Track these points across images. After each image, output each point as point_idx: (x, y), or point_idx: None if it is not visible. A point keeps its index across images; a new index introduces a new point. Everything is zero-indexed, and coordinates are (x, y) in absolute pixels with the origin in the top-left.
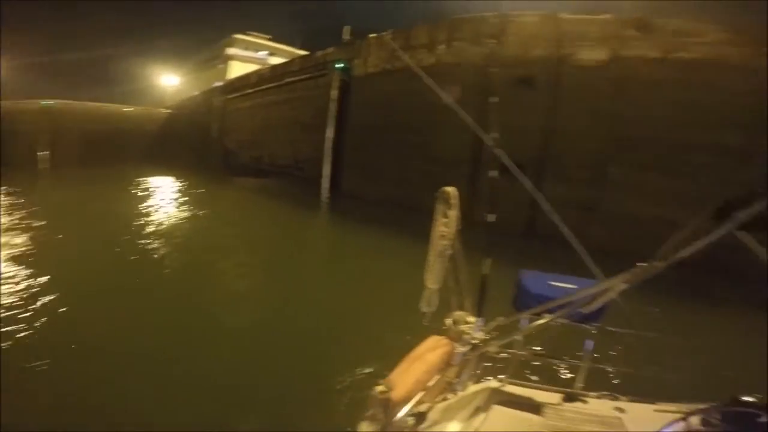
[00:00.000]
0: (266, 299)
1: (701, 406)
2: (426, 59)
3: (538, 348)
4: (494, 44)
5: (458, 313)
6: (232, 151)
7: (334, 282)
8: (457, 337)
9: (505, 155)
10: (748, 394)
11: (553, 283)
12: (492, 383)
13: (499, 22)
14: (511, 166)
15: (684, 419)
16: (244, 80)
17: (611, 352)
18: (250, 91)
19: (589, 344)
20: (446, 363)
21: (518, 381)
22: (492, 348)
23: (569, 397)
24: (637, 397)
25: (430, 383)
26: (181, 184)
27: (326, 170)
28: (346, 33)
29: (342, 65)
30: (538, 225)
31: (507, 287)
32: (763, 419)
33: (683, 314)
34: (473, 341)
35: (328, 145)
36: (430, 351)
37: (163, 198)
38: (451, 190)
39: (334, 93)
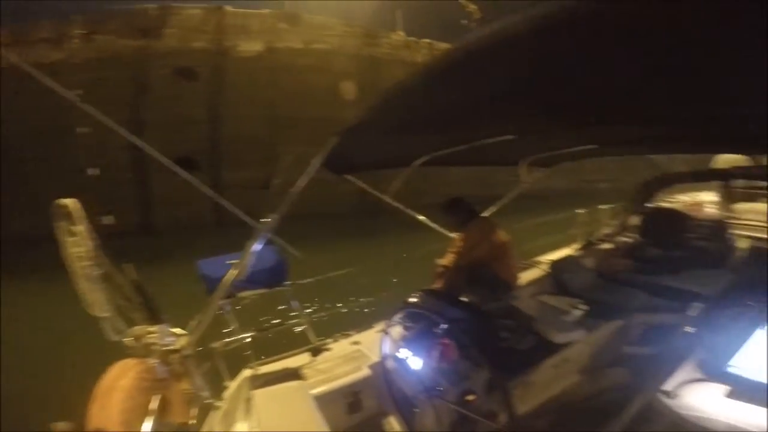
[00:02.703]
0: None
1: (394, 315)
2: (52, 55)
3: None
4: (152, 36)
5: (135, 329)
6: None
7: None
8: (145, 352)
9: (153, 150)
10: (411, 296)
11: (232, 261)
12: (245, 373)
13: (159, 14)
14: (164, 160)
15: (386, 332)
16: None
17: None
18: None
19: (295, 303)
20: (150, 380)
21: (266, 359)
22: (218, 345)
23: (314, 352)
24: (360, 328)
25: (152, 406)
26: None
27: None
28: None
29: None
30: (222, 212)
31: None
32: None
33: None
34: (169, 347)
35: None
36: (121, 377)
37: None
38: (70, 202)
39: None
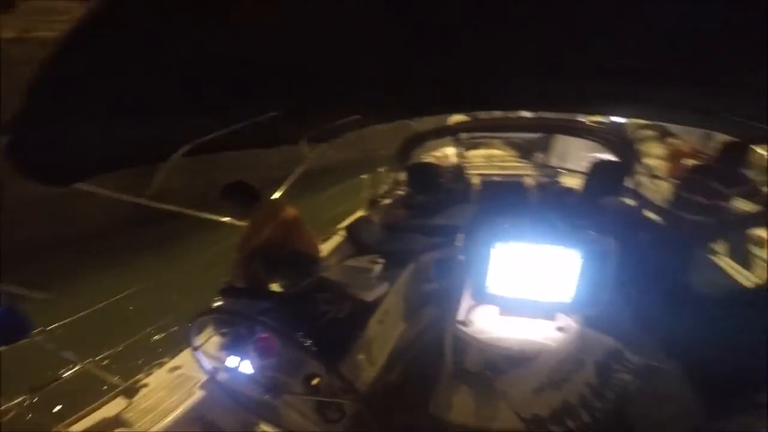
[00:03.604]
0: None
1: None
2: None
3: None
4: None
5: None
6: None
7: None
8: None
9: None
10: (214, 302)
11: None
12: None
13: None
14: None
15: (195, 349)
16: None
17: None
18: None
19: (67, 353)
20: None
21: (72, 418)
22: None
23: (127, 394)
24: (173, 352)
25: None
26: None
27: None
28: None
29: None
30: None
31: None
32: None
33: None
34: None
35: None
36: None
37: None
38: None
39: None
